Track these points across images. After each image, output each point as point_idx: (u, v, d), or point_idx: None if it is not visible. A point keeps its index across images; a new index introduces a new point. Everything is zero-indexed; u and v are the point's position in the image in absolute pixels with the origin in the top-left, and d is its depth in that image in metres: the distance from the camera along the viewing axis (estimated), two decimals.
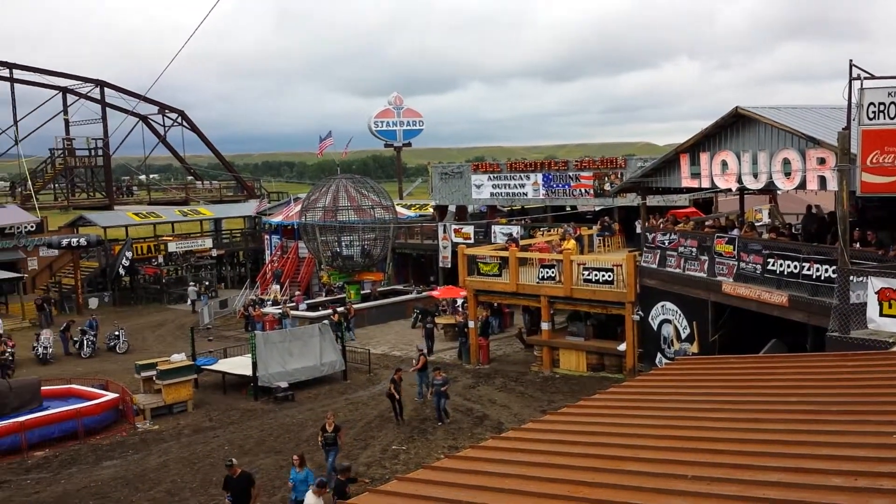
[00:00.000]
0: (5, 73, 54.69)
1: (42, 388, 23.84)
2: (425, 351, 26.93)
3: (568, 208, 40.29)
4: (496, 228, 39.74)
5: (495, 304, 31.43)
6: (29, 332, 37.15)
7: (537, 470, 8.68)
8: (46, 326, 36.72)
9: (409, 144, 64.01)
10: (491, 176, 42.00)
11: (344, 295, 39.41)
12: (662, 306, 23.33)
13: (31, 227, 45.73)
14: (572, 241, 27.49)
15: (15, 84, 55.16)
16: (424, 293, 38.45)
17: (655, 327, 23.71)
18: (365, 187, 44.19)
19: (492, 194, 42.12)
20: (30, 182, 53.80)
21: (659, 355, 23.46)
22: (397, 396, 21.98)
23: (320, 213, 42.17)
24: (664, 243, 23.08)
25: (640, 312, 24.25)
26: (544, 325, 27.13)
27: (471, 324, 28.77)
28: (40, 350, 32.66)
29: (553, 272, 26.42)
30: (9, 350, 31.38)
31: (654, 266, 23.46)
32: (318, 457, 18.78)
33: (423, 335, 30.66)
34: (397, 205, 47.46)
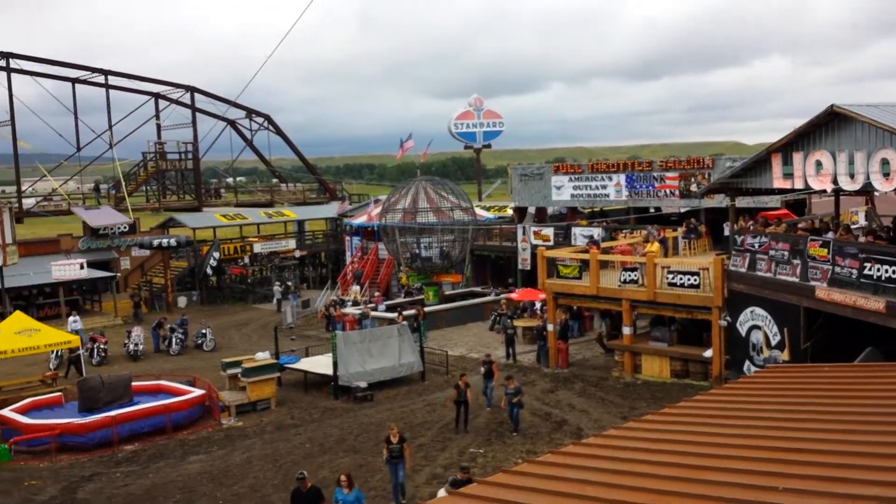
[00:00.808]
0: (101, 79, 56.90)
1: (132, 383, 24.64)
2: (493, 358, 25.03)
3: (651, 210, 39.51)
4: (576, 230, 39.23)
5: (574, 308, 31.02)
6: (121, 330, 38.54)
7: (619, 478, 8.48)
8: (138, 324, 38.00)
9: (488, 146, 63.96)
10: (572, 177, 41.50)
11: (422, 296, 39.60)
12: (751, 312, 22.61)
13: (125, 228, 47.54)
14: (656, 244, 26.93)
15: (110, 90, 57.36)
16: (502, 295, 38.30)
17: (744, 333, 22.99)
18: (444, 189, 44.31)
19: (572, 196, 41.59)
20: (123, 184, 55.86)
21: (747, 363, 22.73)
22: (463, 399, 21.51)
23: (400, 214, 42.51)
24: (754, 246, 22.37)
25: (727, 318, 23.56)
26: (626, 330, 26.62)
27: (550, 327, 28.48)
28: (131, 347, 33.79)
29: (635, 275, 25.90)
30: (102, 346, 32.78)
31: (743, 270, 22.75)
32: (378, 462, 18.47)
33: (504, 341, 30.21)
34: (476, 206, 47.43)
